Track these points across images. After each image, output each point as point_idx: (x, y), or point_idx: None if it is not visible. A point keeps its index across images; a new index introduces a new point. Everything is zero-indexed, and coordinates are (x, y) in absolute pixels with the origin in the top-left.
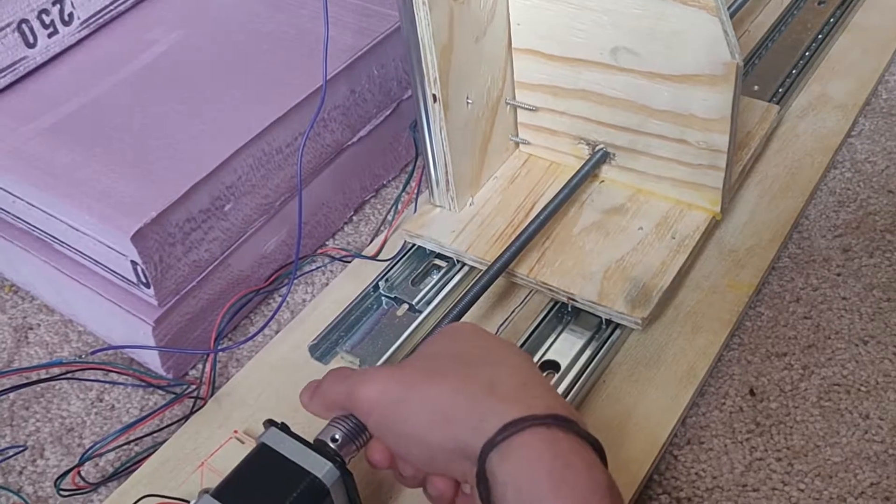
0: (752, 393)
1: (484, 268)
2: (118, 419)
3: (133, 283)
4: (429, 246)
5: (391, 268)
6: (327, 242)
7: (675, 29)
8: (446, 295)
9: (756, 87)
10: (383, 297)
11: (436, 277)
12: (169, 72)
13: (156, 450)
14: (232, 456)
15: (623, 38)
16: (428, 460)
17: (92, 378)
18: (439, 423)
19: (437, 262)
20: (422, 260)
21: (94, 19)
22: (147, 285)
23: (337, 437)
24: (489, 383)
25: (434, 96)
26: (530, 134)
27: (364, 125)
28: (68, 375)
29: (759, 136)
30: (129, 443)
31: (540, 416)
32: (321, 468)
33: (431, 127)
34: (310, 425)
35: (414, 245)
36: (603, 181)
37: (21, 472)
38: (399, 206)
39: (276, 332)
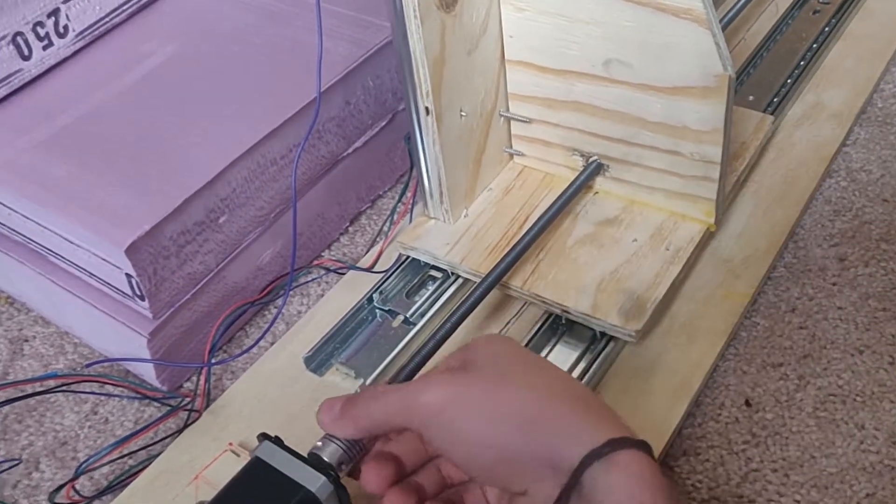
0: (747, 403)
1: (478, 280)
2: (112, 432)
3: (128, 295)
4: (423, 258)
5: (385, 280)
6: (323, 254)
7: (667, 41)
8: (440, 307)
9: (751, 97)
10: (377, 310)
11: (430, 289)
12: (164, 84)
13: (150, 463)
14: (227, 469)
15: (616, 50)
16: (492, 466)
17: (87, 391)
18: (524, 429)
19: (433, 273)
20: (416, 272)
21: (89, 31)
22: (142, 298)
23: (331, 450)
24: (579, 397)
25: (427, 109)
26: (524, 146)
27: (359, 136)
28: (63, 388)
29: (754, 146)
30: (123, 456)
31: (637, 440)
32: (315, 482)
33: (425, 139)
34: (304, 439)
35: (408, 257)
36: (597, 193)
37: (15, 486)
38: (395, 217)
39: (272, 344)
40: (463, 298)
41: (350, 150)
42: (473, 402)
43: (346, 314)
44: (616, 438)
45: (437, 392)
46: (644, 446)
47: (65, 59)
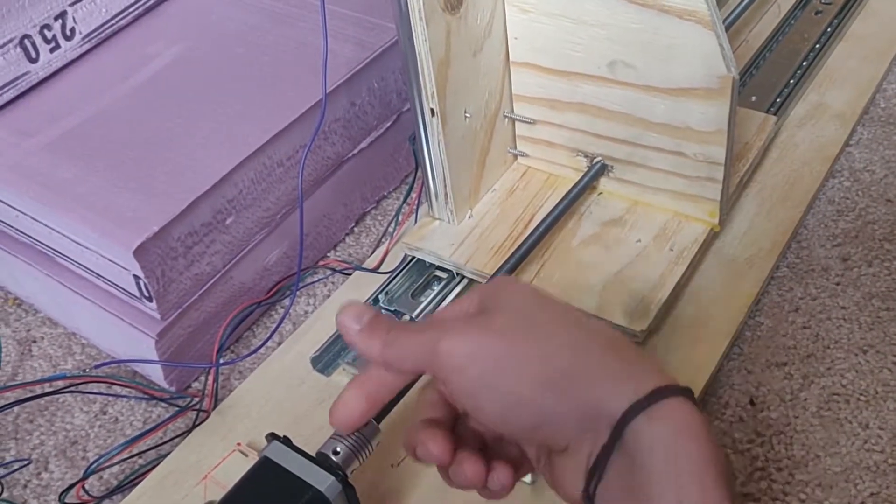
0: (752, 403)
1: (483, 280)
2: (122, 432)
3: (135, 296)
4: (428, 259)
5: (391, 280)
6: (329, 254)
7: (671, 43)
8: None
9: (754, 98)
10: (383, 310)
11: (436, 290)
12: (170, 85)
13: (159, 462)
14: (235, 469)
15: (620, 51)
16: (527, 425)
17: (95, 391)
18: (559, 385)
19: (438, 273)
20: (422, 272)
21: (95, 34)
22: (149, 299)
23: (339, 450)
24: (613, 344)
25: (432, 110)
26: (528, 146)
27: (365, 137)
28: (72, 388)
29: (757, 147)
30: (132, 456)
31: (680, 388)
32: (323, 482)
33: (429, 140)
34: (311, 439)
35: (414, 257)
36: (601, 193)
37: (26, 486)
38: (400, 218)
39: (279, 344)
40: None
41: (355, 151)
42: (500, 357)
43: None
44: (660, 388)
45: (457, 341)
46: (687, 392)
47: (72, 62)
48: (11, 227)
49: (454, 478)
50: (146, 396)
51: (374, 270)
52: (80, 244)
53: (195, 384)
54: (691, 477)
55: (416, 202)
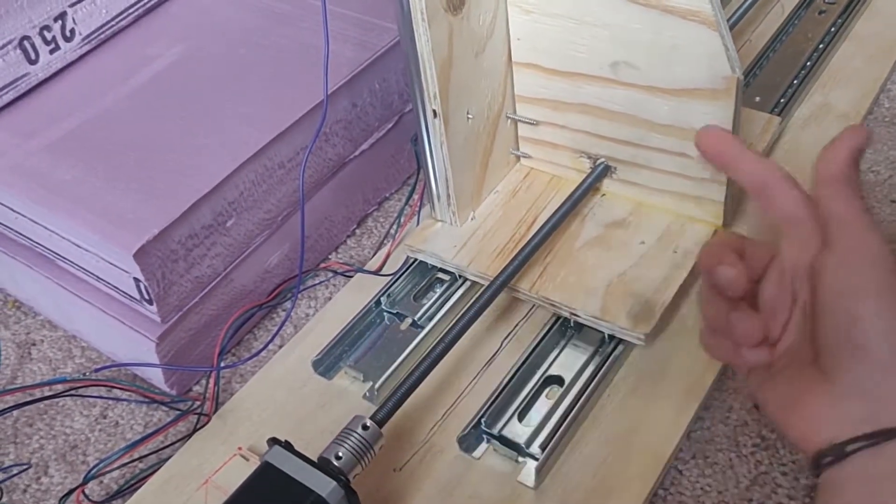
0: (756, 406)
1: (486, 283)
2: (122, 436)
3: (136, 299)
4: (430, 261)
5: (393, 283)
6: (330, 256)
7: (675, 43)
8: (448, 310)
9: (758, 99)
10: (385, 313)
11: (438, 292)
12: (171, 87)
13: (160, 467)
14: (236, 473)
15: (623, 52)
16: (841, 325)
17: (95, 395)
18: (886, 332)
19: (440, 275)
20: (424, 275)
21: (95, 35)
22: (150, 302)
23: (341, 454)
24: None
25: (434, 111)
26: (531, 148)
27: (366, 139)
28: (72, 392)
29: (761, 147)
30: (133, 460)
31: None
32: (325, 487)
33: (432, 142)
34: (313, 443)
35: (416, 260)
36: (604, 195)
37: (25, 491)
38: (402, 220)
39: (280, 347)
40: (471, 301)
41: (357, 153)
42: (858, 265)
43: (354, 317)
44: None
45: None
46: None
47: (71, 63)
48: (11, 229)
49: (735, 321)
50: (147, 400)
51: (376, 273)
52: (80, 246)
53: (196, 388)
54: None
55: (418, 204)
